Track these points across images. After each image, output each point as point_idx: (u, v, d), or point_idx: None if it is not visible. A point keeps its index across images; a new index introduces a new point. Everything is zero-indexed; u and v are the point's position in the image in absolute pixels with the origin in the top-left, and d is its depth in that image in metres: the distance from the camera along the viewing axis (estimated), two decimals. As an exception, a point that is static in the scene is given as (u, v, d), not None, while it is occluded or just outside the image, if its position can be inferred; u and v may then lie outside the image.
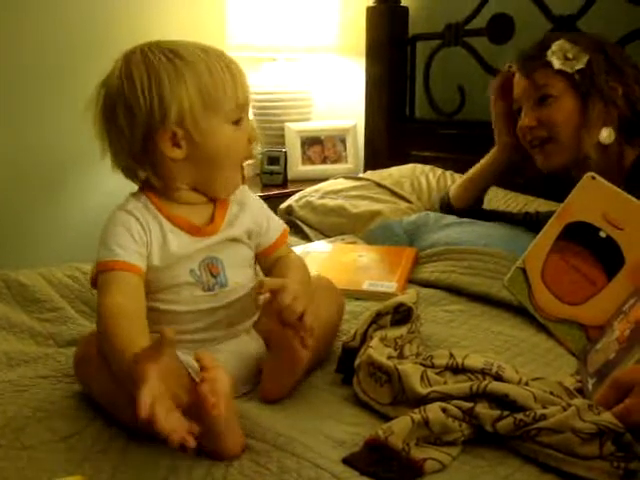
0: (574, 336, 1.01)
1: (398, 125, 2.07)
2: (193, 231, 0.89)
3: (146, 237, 0.87)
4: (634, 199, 0.99)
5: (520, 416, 0.73)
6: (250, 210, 0.95)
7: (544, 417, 0.71)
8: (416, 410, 0.73)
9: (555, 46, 1.28)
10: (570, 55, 1.27)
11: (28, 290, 1.18)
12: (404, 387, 0.79)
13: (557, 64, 1.26)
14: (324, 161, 2.16)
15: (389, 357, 0.84)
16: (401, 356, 0.88)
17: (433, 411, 0.72)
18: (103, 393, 0.81)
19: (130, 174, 0.91)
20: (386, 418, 0.78)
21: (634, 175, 1.22)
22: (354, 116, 2.21)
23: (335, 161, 2.17)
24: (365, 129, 2.15)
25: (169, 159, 0.87)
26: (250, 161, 2.16)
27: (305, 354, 0.82)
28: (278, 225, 1.00)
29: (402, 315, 0.94)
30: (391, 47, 2.04)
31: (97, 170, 2.03)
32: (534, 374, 0.85)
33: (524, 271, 1.11)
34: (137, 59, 0.86)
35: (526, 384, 0.79)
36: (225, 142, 0.88)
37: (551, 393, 0.77)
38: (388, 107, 2.08)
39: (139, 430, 0.75)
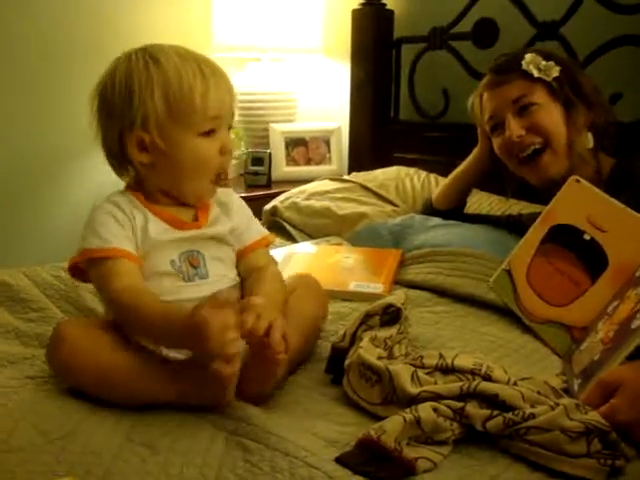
0: (559, 337, 1.02)
1: (382, 127, 2.08)
2: (176, 224, 0.92)
3: (131, 222, 0.90)
4: (617, 202, 1.01)
5: (509, 415, 0.74)
6: (232, 210, 0.98)
7: (533, 416, 0.73)
8: (407, 410, 0.74)
9: (528, 57, 1.29)
10: (542, 66, 1.29)
11: (12, 290, 1.16)
12: (395, 387, 0.80)
13: (536, 72, 1.28)
14: (308, 162, 2.16)
15: (379, 357, 0.84)
16: (391, 356, 0.88)
17: (425, 411, 0.73)
18: (94, 376, 0.81)
19: (116, 171, 0.95)
20: (376, 418, 0.79)
21: (613, 182, 1.24)
22: (338, 118, 2.21)
23: (319, 162, 2.17)
24: (349, 131, 2.16)
25: (137, 162, 0.90)
26: (233, 163, 2.16)
27: (279, 367, 0.82)
28: (259, 230, 1.02)
29: (391, 316, 0.95)
30: (376, 49, 2.05)
31: (81, 168, 2.03)
32: (521, 374, 0.86)
33: (509, 273, 1.13)
34: (123, 62, 0.89)
35: (515, 384, 0.80)
36: (191, 154, 0.89)
37: (538, 393, 0.79)
38: (372, 109, 2.09)
39: (137, 404, 0.80)
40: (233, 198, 1.01)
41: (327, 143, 2.18)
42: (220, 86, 0.89)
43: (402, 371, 0.80)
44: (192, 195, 0.94)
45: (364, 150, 2.12)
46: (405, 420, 0.72)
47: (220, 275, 0.94)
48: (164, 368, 0.82)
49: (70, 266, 0.93)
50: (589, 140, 1.28)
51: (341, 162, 2.20)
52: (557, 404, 0.74)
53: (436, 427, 0.73)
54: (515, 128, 1.28)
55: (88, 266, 0.89)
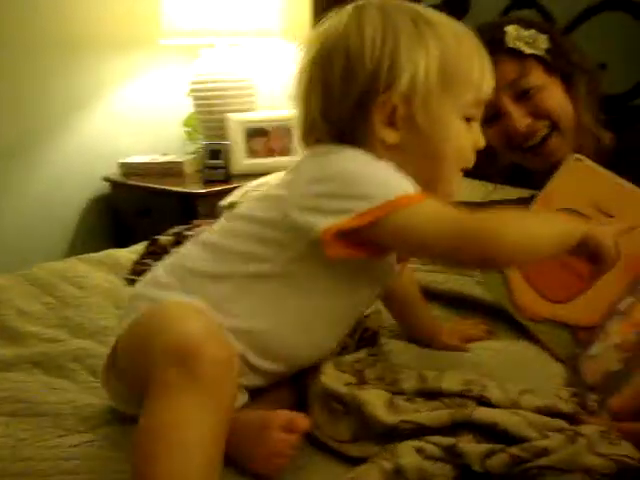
0: (560, 338, 0.89)
1: (349, 112, 1.93)
2: None
3: None
4: (627, 183, 0.88)
5: (516, 451, 0.58)
6: None
7: (546, 451, 0.57)
8: (385, 454, 0.58)
9: (511, 31, 1.13)
10: (529, 39, 1.13)
11: None
12: (367, 417, 0.63)
13: (527, 49, 1.12)
14: (270, 154, 2.01)
15: (347, 384, 0.68)
16: (362, 381, 0.71)
17: (407, 456, 0.57)
18: None
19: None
20: (347, 459, 0.63)
21: (618, 158, 1.09)
22: (302, 105, 2.06)
23: (282, 153, 2.02)
24: (314, 118, 2.01)
25: (378, 140, 0.71)
26: (191, 157, 2.01)
27: None
28: None
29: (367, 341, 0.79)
30: (338, 28, 1.90)
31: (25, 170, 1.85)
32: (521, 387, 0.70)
33: None
34: (372, 12, 0.73)
35: (516, 404, 0.64)
36: (451, 138, 0.73)
37: (549, 411, 0.63)
38: (338, 93, 1.93)
39: None
40: None
41: (290, 132, 2.02)
42: (491, 64, 0.77)
43: (374, 397, 0.64)
44: (442, 195, 0.74)
45: (331, 138, 1.97)
46: (384, 470, 0.55)
47: None
48: None
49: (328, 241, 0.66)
50: (592, 110, 1.14)
51: (306, 152, 2.04)
52: (577, 433, 0.58)
53: (423, 474, 0.57)
54: (519, 117, 1.13)
55: (383, 220, 0.65)
